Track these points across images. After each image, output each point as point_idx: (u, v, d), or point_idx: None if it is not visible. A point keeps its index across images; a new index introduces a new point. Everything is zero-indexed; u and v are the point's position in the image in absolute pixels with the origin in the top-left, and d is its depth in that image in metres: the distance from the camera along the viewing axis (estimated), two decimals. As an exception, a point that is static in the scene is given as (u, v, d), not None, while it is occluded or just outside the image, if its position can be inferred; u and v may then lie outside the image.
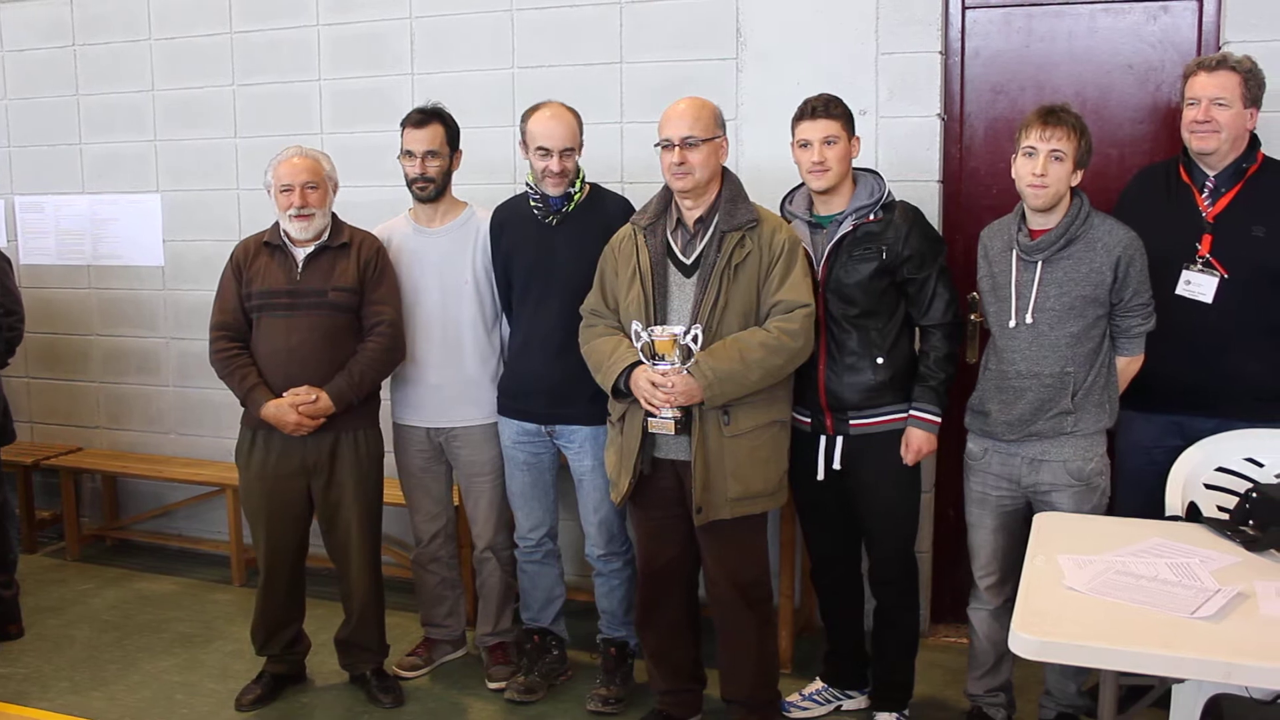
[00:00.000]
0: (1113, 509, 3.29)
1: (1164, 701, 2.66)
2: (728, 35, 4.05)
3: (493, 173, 4.35)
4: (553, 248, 3.48)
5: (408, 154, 3.64)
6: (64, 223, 5.20)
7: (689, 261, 3.11)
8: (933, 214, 3.85)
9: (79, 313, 5.23)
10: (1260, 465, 2.93)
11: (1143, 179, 3.36)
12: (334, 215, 3.59)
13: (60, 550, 5.16)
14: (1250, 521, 2.52)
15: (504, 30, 4.35)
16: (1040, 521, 2.71)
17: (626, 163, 4.22)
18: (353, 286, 3.48)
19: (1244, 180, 3.11)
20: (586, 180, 3.55)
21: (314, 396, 3.38)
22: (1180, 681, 2.47)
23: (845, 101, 3.22)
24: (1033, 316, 2.98)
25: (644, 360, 3.04)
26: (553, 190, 3.45)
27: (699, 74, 4.09)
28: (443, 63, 4.45)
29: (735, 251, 3.04)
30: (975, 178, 3.94)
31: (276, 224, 3.55)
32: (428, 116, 3.64)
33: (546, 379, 3.47)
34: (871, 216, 3.13)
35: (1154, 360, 3.20)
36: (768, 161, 4.03)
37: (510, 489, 3.69)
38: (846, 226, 3.13)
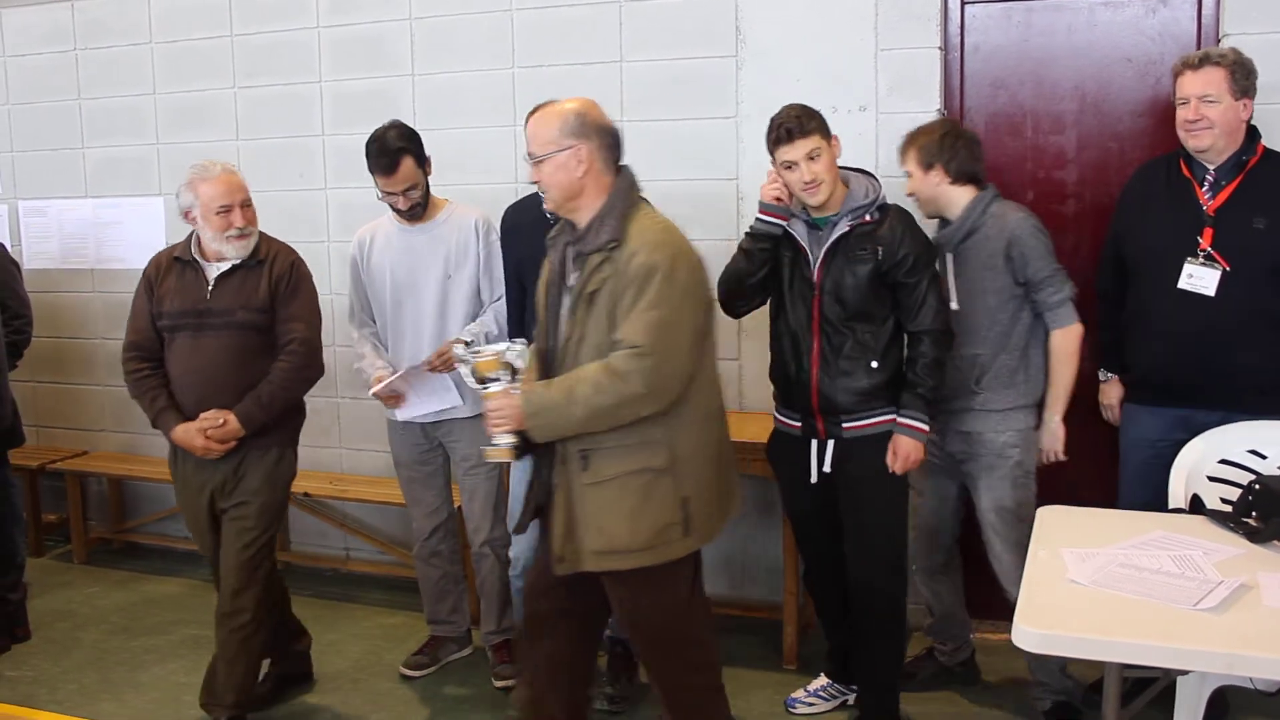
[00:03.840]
0: (1118, 503, 3.30)
1: (1168, 694, 2.66)
2: (727, 33, 4.06)
3: (493, 172, 4.35)
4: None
5: (389, 194, 3.58)
6: (67, 226, 5.21)
7: (569, 285, 2.74)
8: (934, 209, 3.86)
9: (83, 316, 5.24)
10: (1263, 457, 2.93)
11: (1143, 174, 3.36)
12: None
13: (67, 553, 5.17)
14: (1253, 513, 2.52)
15: (503, 30, 4.35)
16: (1043, 515, 2.72)
17: (628, 162, 4.20)
18: (263, 305, 3.33)
19: (1244, 173, 3.11)
20: None
21: (221, 420, 3.25)
22: (1184, 673, 2.47)
23: (812, 106, 3.12)
24: (957, 303, 3.27)
25: (472, 383, 2.73)
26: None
27: (698, 72, 4.09)
28: (443, 63, 4.46)
29: (592, 277, 2.62)
30: (976, 173, 3.93)
31: (190, 239, 3.40)
32: (392, 158, 3.52)
33: None
34: (868, 217, 3.09)
35: (1157, 354, 3.21)
36: (767, 159, 4.02)
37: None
38: (843, 228, 3.09)
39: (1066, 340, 3.23)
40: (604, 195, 2.68)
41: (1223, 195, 3.12)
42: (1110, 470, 3.52)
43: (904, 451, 3.09)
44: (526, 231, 3.40)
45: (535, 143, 2.70)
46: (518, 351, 2.71)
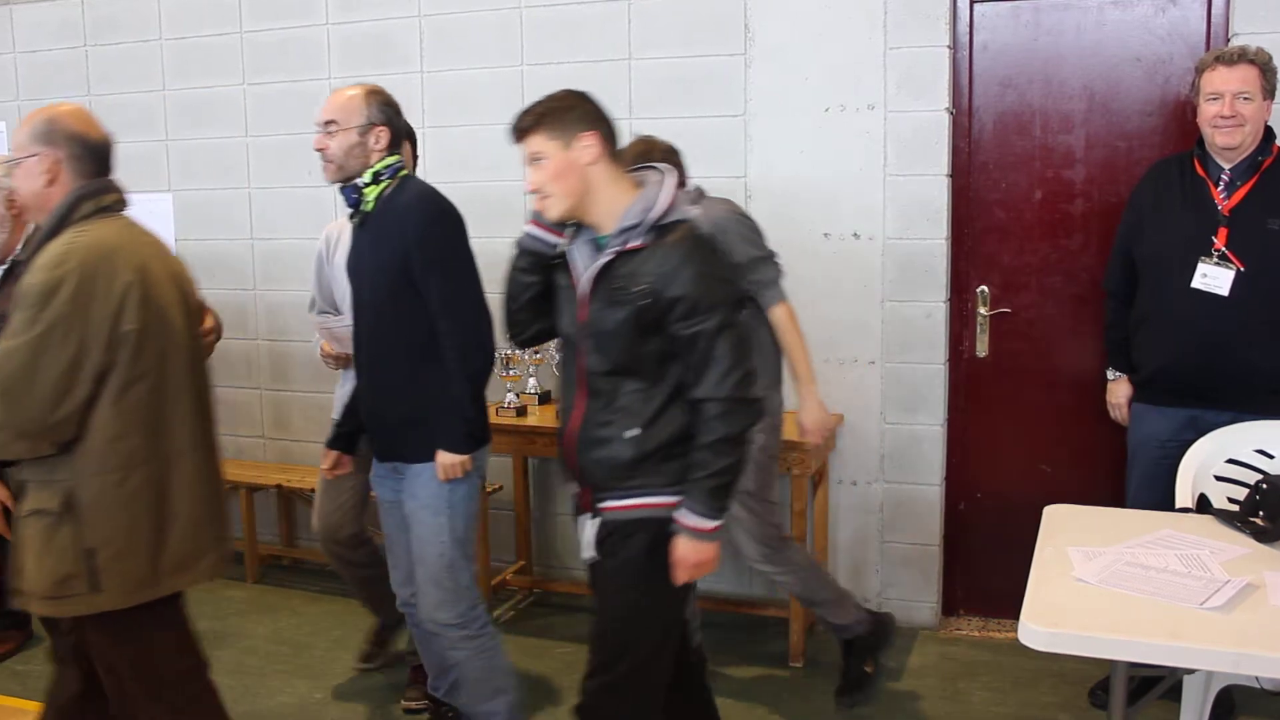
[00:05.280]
0: (1126, 503, 3.31)
1: (1175, 693, 2.67)
2: (736, 31, 4.06)
3: (500, 170, 4.36)
4: (360, 252, 2.97)
5: None
6: (77, 223, 5.23)
7: None
8: (941, 209, 3.86)
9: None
10: (1270, 457, 2.93)
11: (1156, 173, 3.35)
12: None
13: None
14: (1260, 513, 2.52)
15: (512, 27, 4.36)
16: (1050, 513, 2.72)
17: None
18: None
19: (1260, 173, 3.11)
20: (402, 173, 2.92)
21: None
22: (1190, 672, 2.48)
23: (582, 93, 2.48)
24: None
25: None
26: (327, 176, 2.92)
27: (707, 70, 4.10)
28: (451, 61, 4.47)
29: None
30: (984, 172, 3.94)
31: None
32: None
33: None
34: (638, 243, 2.31)
35: (1169, 354, 3.20)
36: (777, 157, 4.04)
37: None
38: (608, 255, 2.33)
39: (782, 313, 3.24)
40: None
41: (1238, 195, 3.11)
42: (1118, 470, 3.52)
43: (680, 557, 2.34)
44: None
45: (11, 146, 2.49)
46: None
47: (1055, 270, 3.90)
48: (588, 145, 2.33)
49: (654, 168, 2.42)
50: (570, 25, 4.27)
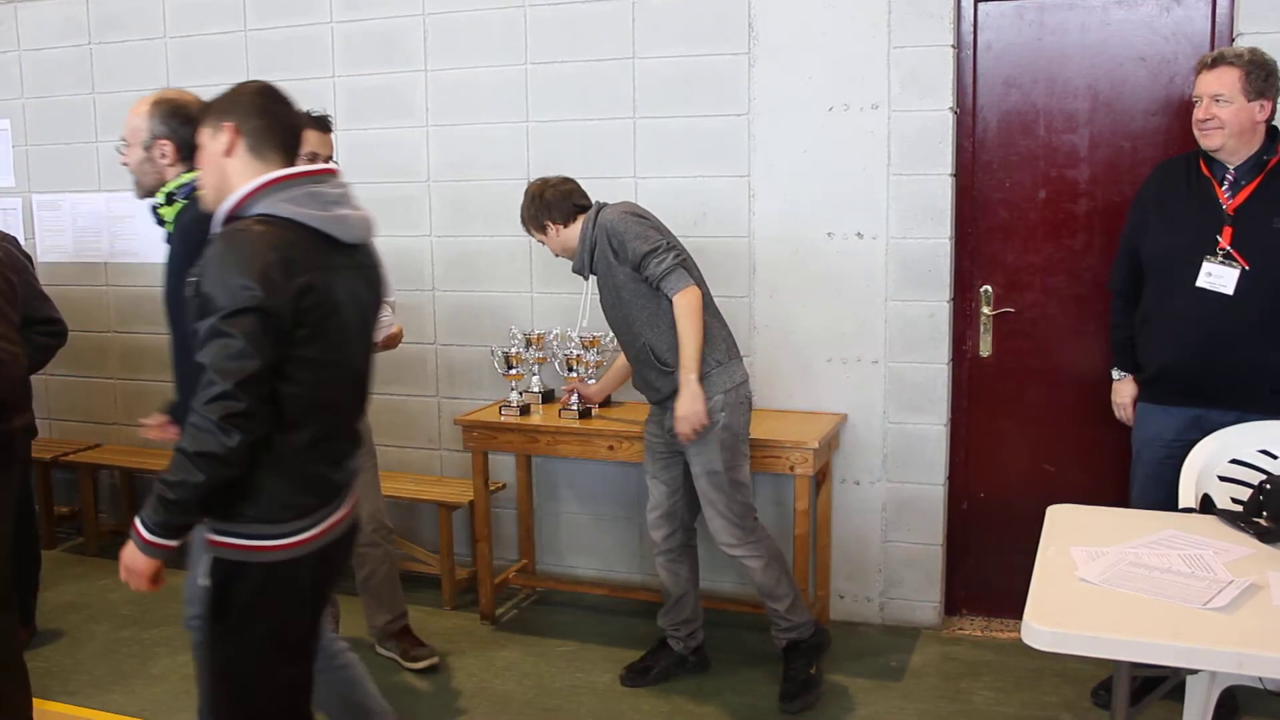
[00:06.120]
0: (1130, 503, 3.31)
1: (1178, 693, 2.67)
2: (740, 30, 4.06)
3: (504, 168, 4.37)
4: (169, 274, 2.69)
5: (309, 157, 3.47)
6: (81, 220, 5.24)
7: None
8: (944, 208, 3.86)
9: (96, 310, 5.26)
10: (1274, 457, 2.92)
11: (1162, 172, 3.35)
12: None
13: (79, 546, 5.21)
14: (1263, 513, 2.52)
15: (516, 26, 4.36)
16: (1053, 513, 2.72)
17: (640, 159, 4.23)
18: None
19: (1265, 172, 3.11)
20: (189, 192, 2.65)
21: None
22: (1193, 672, 2.47)
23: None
24: (613, 316, 3.46)
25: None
26: (137, 194, 2.82)
27: (711, 69, 4.10)
28: (455, 59, 4.47)
29: None
30: (988, 171, 3.93)
31: None
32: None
33: None
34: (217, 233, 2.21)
35: (1174, 353, 3.20)
36: (780, 156, 4.04)
37: None
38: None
39: (681, 302, 3.28)
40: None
41: (1243, 194, 3.11)
42: (1121, 470, 3.52)
43: (123, 562, 2.23)
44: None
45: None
46: None
47: (1059, 270, 3.90)
48: (224, 137, 2.24)
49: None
50: (574, 24, 4.27)
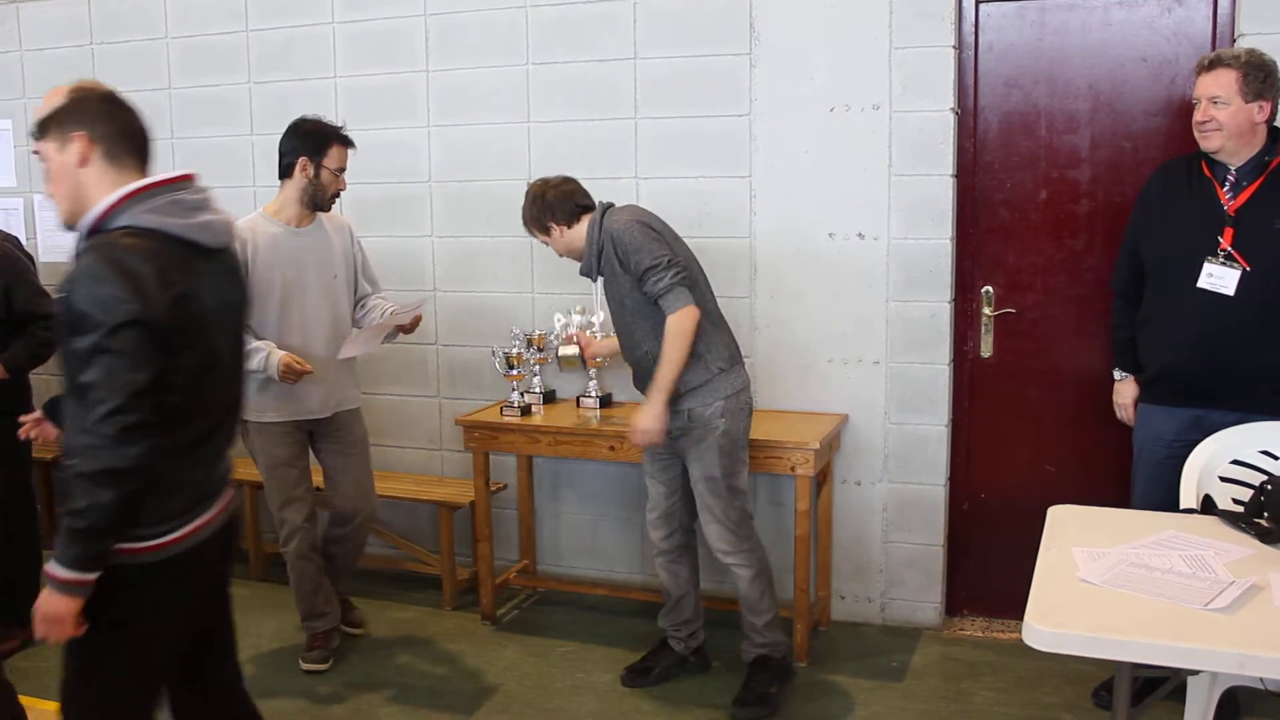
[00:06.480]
0: (1131, 503, 3.30)
1: (1179, 694, 2.67)
2: (741, 30, 4.06)
3: (507, 168, 4.37)
4: None
5: (337, 172, 3.72)
6: (82, 220, 5.24)
7: None
8: (946, 209, 3.86)
9: (97, 310, 5.26)
10: (1275, 458, 2.92)
11: (1164, 173, 3.35)
12: None
13: (80, 545, 5.20)
14: (1265, 514, 2.52)
15: (518, 26, 4.36)
16: (1054, 514, 2.72)
17: (641, 160, 4.23)
18: None
19: (1266, 173, 3.11)
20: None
21: None
22: (1195, 673, 2.47)
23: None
24: (617, 318, 3.47)
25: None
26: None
27: (712, 69, 4.10)
28: (457, 59, 4.47)
29: None
30: (989, 172, 3.93)
31: None
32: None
33: None
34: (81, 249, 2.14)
35: (1175, 354, 3.20)
36: (781, 157, 4.04)
37: None
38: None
39: (674, 321, 3.26)
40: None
41: (1244, 195, 3.11)
42: (1122, 471, 3.52)
43: (41, 615, 2.16)
44: None
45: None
46: None
47: (1060, 270, 3.90)
48: (76, 146, 2.15)
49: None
50: (576, 24, 4.27)
